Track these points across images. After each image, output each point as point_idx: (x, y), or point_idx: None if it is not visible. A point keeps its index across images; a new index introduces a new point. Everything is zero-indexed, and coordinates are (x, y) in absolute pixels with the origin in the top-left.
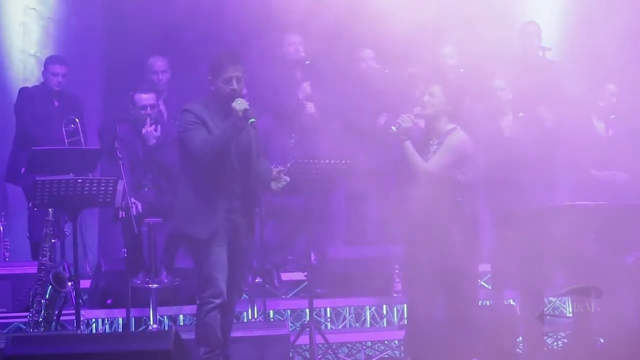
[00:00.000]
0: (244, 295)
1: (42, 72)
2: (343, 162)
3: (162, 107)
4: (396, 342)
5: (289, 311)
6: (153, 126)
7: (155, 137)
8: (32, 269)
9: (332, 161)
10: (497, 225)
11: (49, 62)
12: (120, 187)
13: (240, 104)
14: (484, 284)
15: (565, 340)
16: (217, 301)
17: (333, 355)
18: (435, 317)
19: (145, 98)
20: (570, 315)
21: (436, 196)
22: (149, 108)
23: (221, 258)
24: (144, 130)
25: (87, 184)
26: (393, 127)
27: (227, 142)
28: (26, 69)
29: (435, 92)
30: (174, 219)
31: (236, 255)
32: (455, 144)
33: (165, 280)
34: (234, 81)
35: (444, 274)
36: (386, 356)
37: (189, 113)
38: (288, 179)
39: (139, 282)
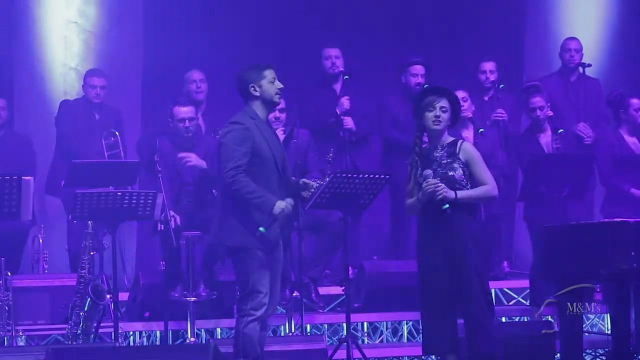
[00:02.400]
0: (281, 309)
1: (82, 85)
2: (382, 176)
3: (200, 120)
4: (433, 357)
5: (326, 325)
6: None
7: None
8: (71, 281)
9: (372, 175)
10: (535, 241)
11: (87, 75)
12: (159, 200)
13: (281, 209)
14: (521, 300)
15: (604, 358)
16: (258, 314)
17: None
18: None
19: (184, 111)
20: (609, 332)
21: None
22: (187, 121)
23: (267, 272)
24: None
25: (127, 197)
26: (444, 207)
27: (253, 204)
28: (67, 82)
29: (447, 106)
30: (227, 233)
31: (275, 268)
32: (479, 154)
33: (203, 294)
34: (277, 80)
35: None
36: None
37: (240, 126)
38: (315, 184)
39: (177, 295)
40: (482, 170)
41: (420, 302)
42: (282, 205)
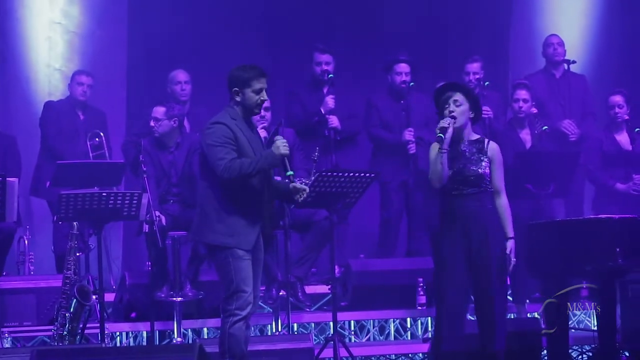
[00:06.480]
0: (268, 308)
1: (69, 84)
2: (368, 174)
3: (185, 121)
4: (420, 355)
5: (313, 324)
6: None
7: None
8: (57, 283)
9: (357, 174)
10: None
11: (75, 74)
12: (144, 200)
13: (283, 148)
14: (508, 297)
15: (590, 354)
16: (244, 313)
17: None
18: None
19: (154, 110)
20: (595, 328)
21: None
22: (152, 120)
23: (250, 271)
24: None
25: (112, 198)
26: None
27: (258, 173)
28: (51, 83)
29: (461, 100)
30: (207, 232)
31: (255, 267)
32: (502, 158)
33: (190, 294)
34: (264, 92)
35: None
36: None
37: (222, 126)
38: (307, 188)
39: (163, 295)
40: (500, 176)
41: (437, 294)
42: (278, 145)
